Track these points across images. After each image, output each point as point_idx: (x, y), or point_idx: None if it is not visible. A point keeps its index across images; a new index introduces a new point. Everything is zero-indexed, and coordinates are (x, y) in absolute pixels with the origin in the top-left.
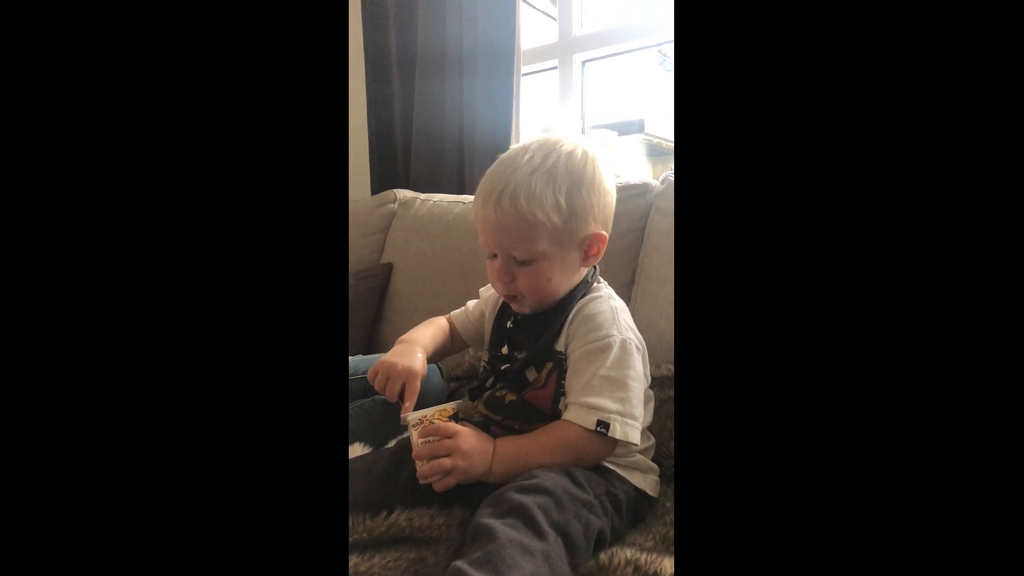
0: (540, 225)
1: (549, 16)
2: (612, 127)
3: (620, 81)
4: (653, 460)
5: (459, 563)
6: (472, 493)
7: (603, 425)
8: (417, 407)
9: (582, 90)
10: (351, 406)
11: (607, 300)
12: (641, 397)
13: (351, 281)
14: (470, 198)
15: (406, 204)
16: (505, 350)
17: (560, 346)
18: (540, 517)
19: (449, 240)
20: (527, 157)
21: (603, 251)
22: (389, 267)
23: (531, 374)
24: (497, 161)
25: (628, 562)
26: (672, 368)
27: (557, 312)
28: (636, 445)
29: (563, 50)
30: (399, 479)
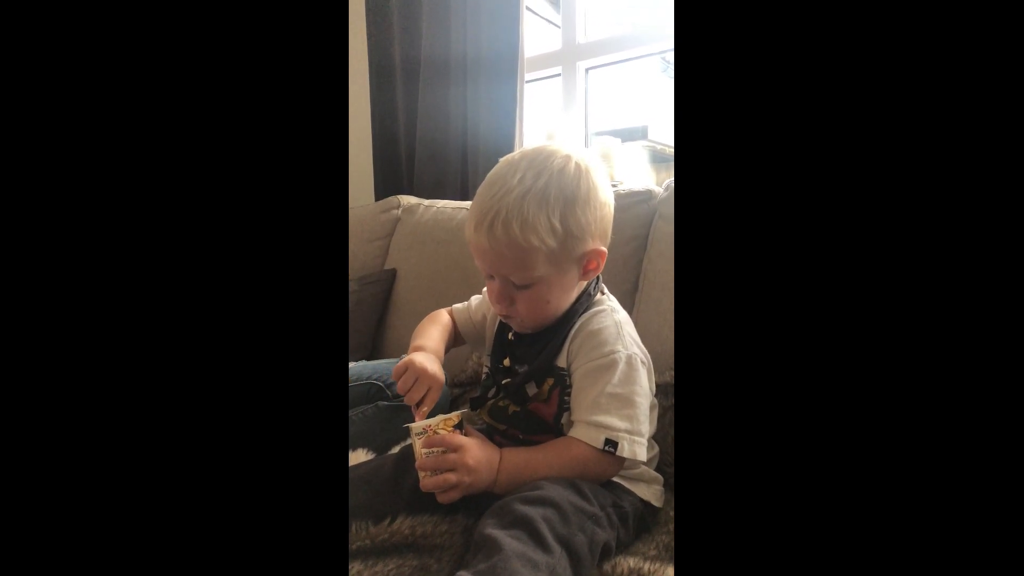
0: (536, 250)
1: (552, 24)
2: (615, 134)
3: (624, 88)
4: (657, 469)
5: (464, 574)
6: (476, 501)
7: (611, 444)
8: None
9: (586, 97)
10: (354, 412)
11: (610, 314)
12: (647, 413)
13: (355, 287)
14: None
15: (410, 210)
16: (507, 363)
17: (562, 362)
18: (545, 530)
19: (453, 246)
20: (517, 178)
21: (603, 265)
22: (393, 273)
23: (531, 389)
24: (486, 182)
25: (632, 571)
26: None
27: (559, 327)
28: (643, 462)
29: (567, 57)
30: (403, 486)
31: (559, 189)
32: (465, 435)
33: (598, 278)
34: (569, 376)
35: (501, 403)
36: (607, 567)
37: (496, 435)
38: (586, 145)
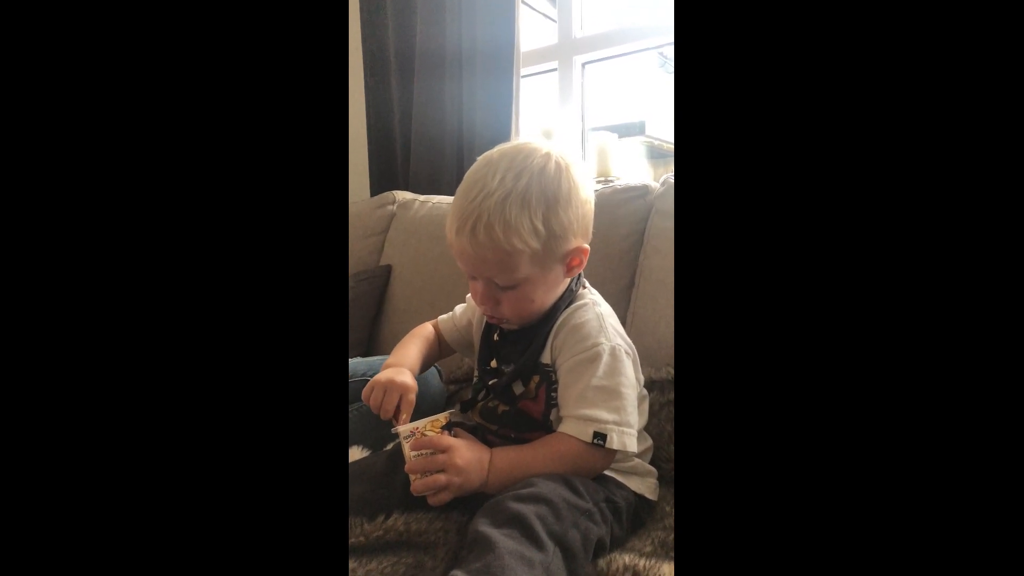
0: (519, 253)
1: (549, 18)
2: (613, 129)
3: (620, 83)
4: (651, 463)
5: (459, 573)
6: (471, 498)
7: (600, 437)
8: (415, 409)
9: (582, 92)
10: (349, 408)
11: (592, 307)
12: (635, 403)
13: (350, 283)
14: None
15: (405, 206)
16: (494, 363)
17: (546, 358)
18: (538, 527)
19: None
20: (497, 180)
21: (586, 261)
22: (388, 269)
23: (518, 388)
24: (465, 184)
25: (627, 568)
26: (672, 371)
27: (542, 324)
28: (633, 452)
29: (563, 52)
30: (396, 482)
31: (540, 190)
32: (454, 436)
33: (580, 275)
34: (555, 372)
35: (491, 404)
36: (602, 564)
37: (489, 435)
38: (583, 141)
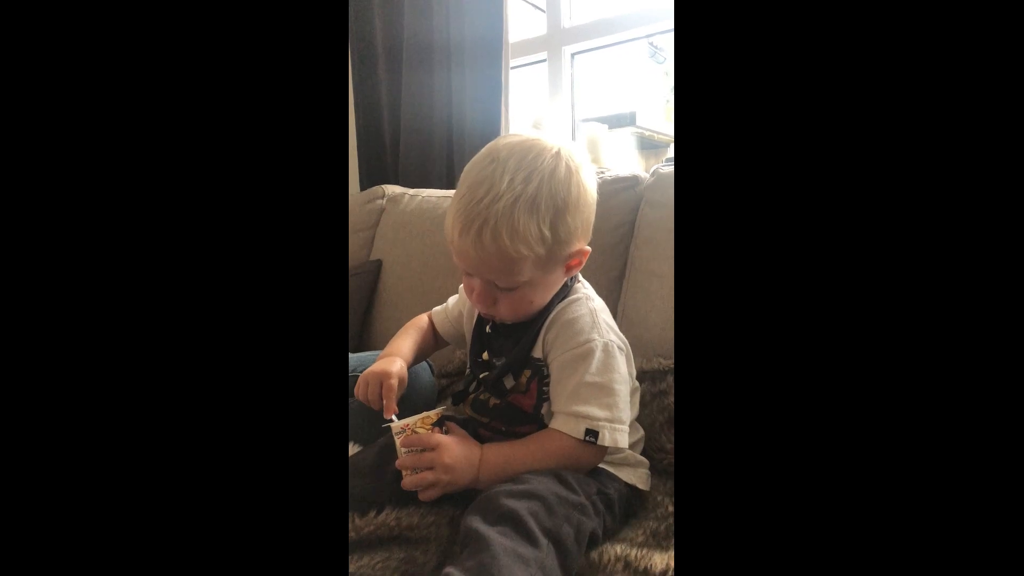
0: (524, 259)
1: (537, 7)
2: (603, 120)
3: (610, 73)
4: (643, 453)
5: (452, 570)
6: (462, 493)
7: (592, 434)
8: (407, 405)
9: (572, 83)
10: None
11: (585, 302)
12: (627, 399)
13: None
14: None
15: (394, 200)
16: (485, 356)
17: (538, 352)
18: (532, 523)
19: (438, 236)
20: (506, 181)
21: (584, 262)
22: (378, 264)
23: (509, 381)
24: (471, 182)
25: (618, 558)
26: (663, 362)
27: (534, 319)
28: (624, 448)
29: (552, 42)
30: (386, 475)
31: (550, 195)
32: (446, 432)
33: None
34: (546, 366)
35: (482, 396)
36: (594, 555)
37: (480, 428)
38: (573, 132)
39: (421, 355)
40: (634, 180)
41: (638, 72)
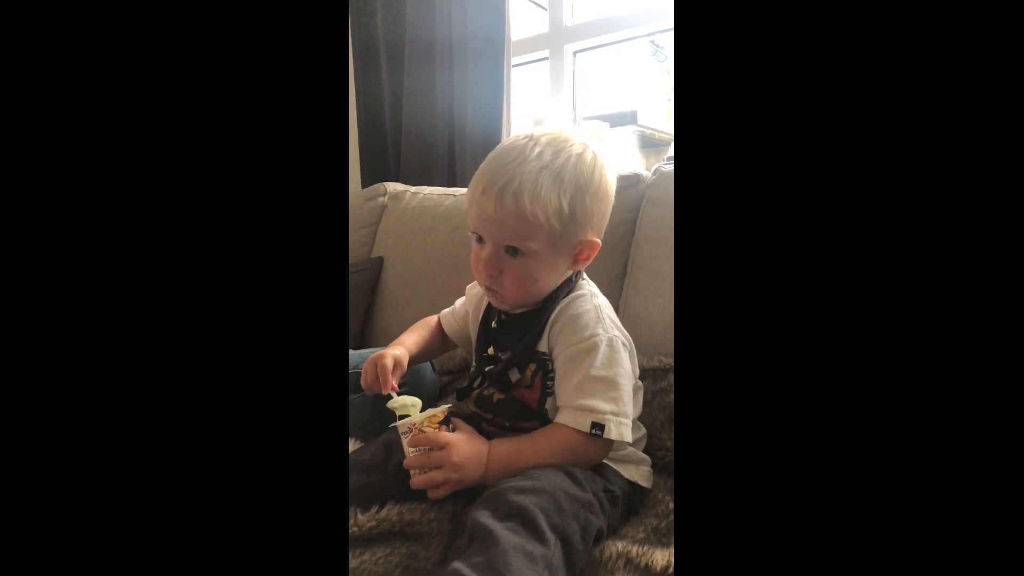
0: (539, 226)
1: (539, 5)
2: (604, 118)
3: (612, 72)
4: (645, 451)
5: (460, 566)
6: (465, 489)
7: (598, 427)
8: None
9: (573, 81)
10: None
11: (590, 298)
12: (631, 394)
13: None
14: (461, 191)
15: (396, 197)
16: (491, 351)
17: (543, 346)
18: (541, 519)
19: (440, 233)
20: (536, 151)
21: (593, 257)
22: (380, 261)
23: (514, 375)
24: (503, 147)
25: (620, 555)
26: (664, 360)
27: (540, 312)
28: (629, 443)
29: (554, 40)
30: (388, 469)
31: (575, 173)
32: (452, 430)
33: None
34: (551, 361)
35: (486, 392)
36: (595, 552)
37: (483, 424)
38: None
39: (426, 351)
40: (635, 179)
41: (640, 70)
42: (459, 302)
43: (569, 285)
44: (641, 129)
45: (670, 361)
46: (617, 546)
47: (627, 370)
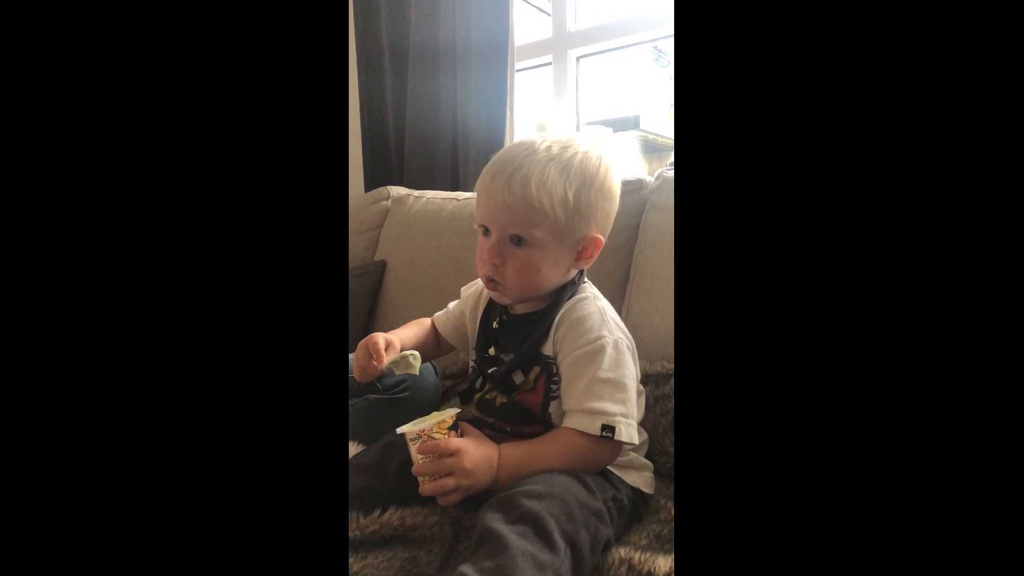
0: (543, 214)
1: (543, 11)
2: (607, 123)
3: (615, 77)
4: (647, 457)
5: (468, 570)
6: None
7: (608, 429)
8: (413, 407)
9: (576, 86)
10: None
11: (593, 300)
12: (635, 396)
13: None
14: (464, 195)
15: (399, 201)
16: (492, 352)
17: (547, 350)
18: (552, 526)
19: (443, 237)
20: (545, 146)
21: (596, 256)
22: (382, 265)
23: (518, 377)
24: (515, 141)
25: (622, 561)
26: (666, 365)
27: (544, 314)
28: (635, 444)
29: (557, 46)
30: (388, 472)
31: (581, 168)
32: (461, 434)
33: (582, 271)
34: (555, 364)
35: (488, 395)
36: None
37: (484, 428)
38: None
39: (419, 347)
40: (638, 184)
41: (642, 76)
42: (452, 304)
43: (572, 288)
44: (644, 134)
45: (672, 366)
46: (620, 552)
47: (632, 372)
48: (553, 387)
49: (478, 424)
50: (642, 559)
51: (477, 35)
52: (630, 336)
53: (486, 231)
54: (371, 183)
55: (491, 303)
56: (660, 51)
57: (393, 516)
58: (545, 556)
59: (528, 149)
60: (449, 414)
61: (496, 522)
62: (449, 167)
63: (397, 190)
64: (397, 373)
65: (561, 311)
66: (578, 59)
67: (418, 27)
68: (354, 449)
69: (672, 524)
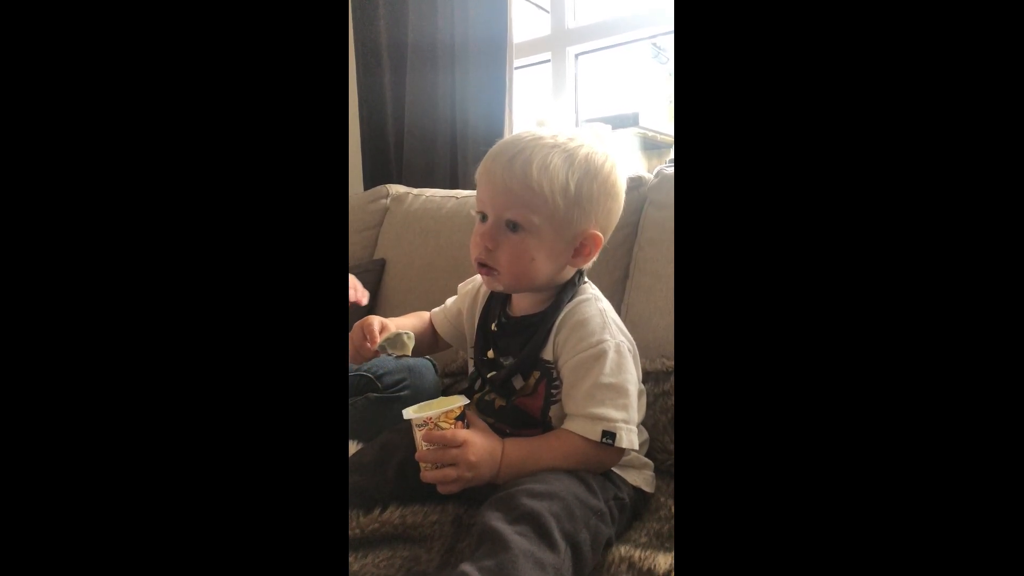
0: (543, 199)
1: (542, 8)
2: (606, 120)
3: (614, 74)
4: (647, 455)
5: (469, 569)
6: (467, 491)
7: (609, 436)
8: (413, 402)
9: (575, 83)
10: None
11: (594, 303)
12: (636, 400)
13: None
14: (463, 193)
15: (398, 199)
16: (491, 354)
17: (548, 354)
18: (553, 526)
19: (442, 235)
20: (552, 134)
21: (595, 254)
22: (382, 263)
23: (517, 382)
24: (520, 131)
25: (623, 559)
26: (666, 363)
27: (543, 317)
28: (635, 450)
29: (556, 43)
30: (387, 469)
31: (587, 160)
32: (467, 425)
33: (582, 271)
34: (556, 369)
35: (487, 397)
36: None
37: None
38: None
39: (418, 339)
40: (638, 181)
41: (641, 73)
42: (450, 301)
43: (572, 288)
44: (643, 131)
45: (672, 364)
46: (620, 550)
47: (633, 376)
48: (553, 392)
49: None
50: (642, 557)
51: (476, 32)
52: (631, 339)
53: (483, 217)
54: (370, 181)
55: (489, 303)
56: (659, 48)
57: (393, 514)
58: (546, 556)
59: (535, 136)
60: (457, 403)
61: (497, 521)
62: (448, 165)
63: (396, 188)
64: (391, 352)
65: (561, 314)
66: (577, 56)
67: (417, 25)
68: (354, 447)
69: (672, 522)
